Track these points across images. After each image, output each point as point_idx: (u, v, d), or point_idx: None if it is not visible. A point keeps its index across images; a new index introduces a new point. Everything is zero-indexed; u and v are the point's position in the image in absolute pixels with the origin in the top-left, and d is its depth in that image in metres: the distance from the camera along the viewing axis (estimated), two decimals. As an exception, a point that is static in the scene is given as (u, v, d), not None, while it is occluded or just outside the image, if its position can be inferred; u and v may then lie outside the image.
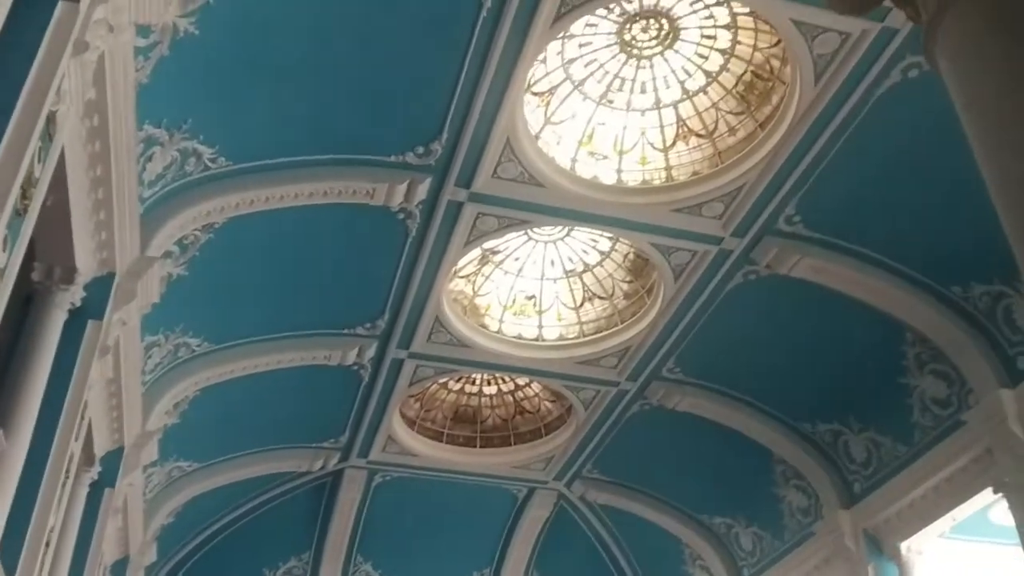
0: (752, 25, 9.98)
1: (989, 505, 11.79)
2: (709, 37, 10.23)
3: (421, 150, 9.86)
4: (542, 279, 13.30)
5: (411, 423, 15.48)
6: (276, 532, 15.73)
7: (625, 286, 13.01)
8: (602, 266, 13.02)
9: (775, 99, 10.25)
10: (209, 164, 9.15)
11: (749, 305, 12.18)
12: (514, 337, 13.44)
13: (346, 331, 12.41)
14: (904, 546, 12.28)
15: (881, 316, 11.67)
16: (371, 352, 12.77)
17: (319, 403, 13.90)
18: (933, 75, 9.06)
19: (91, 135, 6.96)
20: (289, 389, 13.15)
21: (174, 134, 8.58)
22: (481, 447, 15.81)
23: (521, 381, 15.47)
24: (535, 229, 12.18)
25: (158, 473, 13.14)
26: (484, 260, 12.95)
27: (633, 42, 10.26)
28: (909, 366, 12.04)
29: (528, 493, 16.55)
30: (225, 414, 13.08)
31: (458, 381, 15.46)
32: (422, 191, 10.22)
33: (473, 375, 15.32)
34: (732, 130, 10.69)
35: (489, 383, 15.63)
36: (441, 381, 15.18)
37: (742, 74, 10.43)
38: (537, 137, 10.39)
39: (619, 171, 10.97)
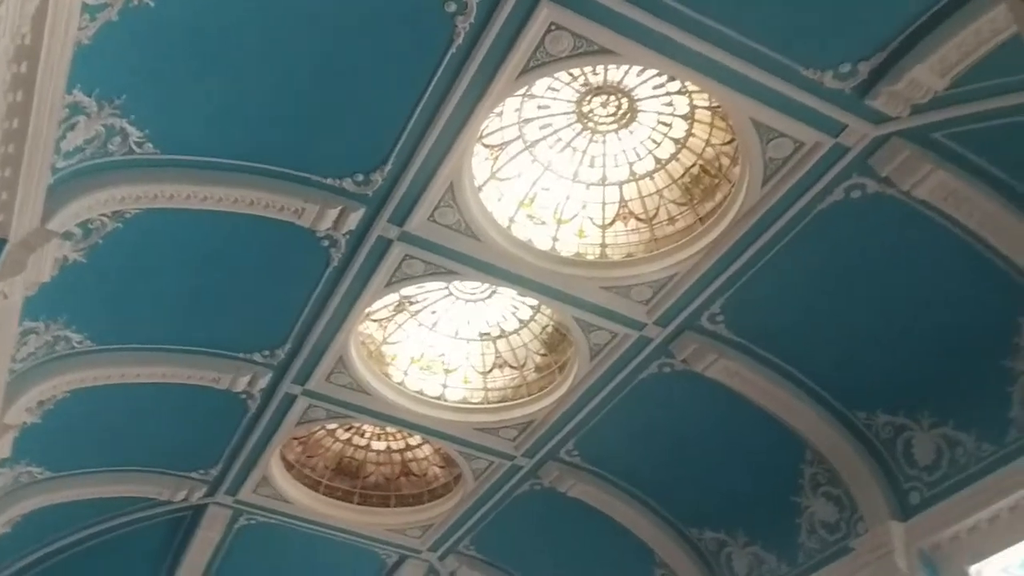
0: (709, 119, 10.08)
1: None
2: (665, 124, 10.28)
3: (360, 178, 9.49)
4: (455, 337, 12.91)
5: (289, 467, 14.66)
6: (120, 563, 14.47)
7: (538, 358, 12.74)
8: (519, 334, 12.74)
9: (719, 196, 10.31)
10: (134, 147, 8.58)
11: (658, 398, 12.05)
12: (416, 392, 12.94)
13: (242, 355, 11.70)
14: (772, 669, 12.08)
15: (785, 430, 11.68)
16: (264, 382, 12.05)
17: (196, 428, 12.99)
18: (874, 199, 9.43)
19: (16, 83, 6.40)
20: (167, 407, 12.27)
21: (104, 107, 8.02)
22: (359, 504, 15.05)
23: (413, 441, 14.89)
24: (458, 284, 11.88)
25: (4, 475, 11.99)
26: (400, 307, 12.52)
27: (591, 114, 10.23)
28: (804, 485, 12.02)
29: (399, 560, 15.76)
30: (91, 423, 12.08)
31: (347, 430, 14.79)
32: (353, 220, 9.81)
33: (364, 427, 14.69)
34: (672, 219, 10.69)
35: (379, 438, 14.99)
36: (330, 427, 14.51)
37: (691, 166, 10.50)
38: (480, 189, 10.17)
39: (555, 239, 10.81)
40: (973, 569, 9.99)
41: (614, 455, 13.13)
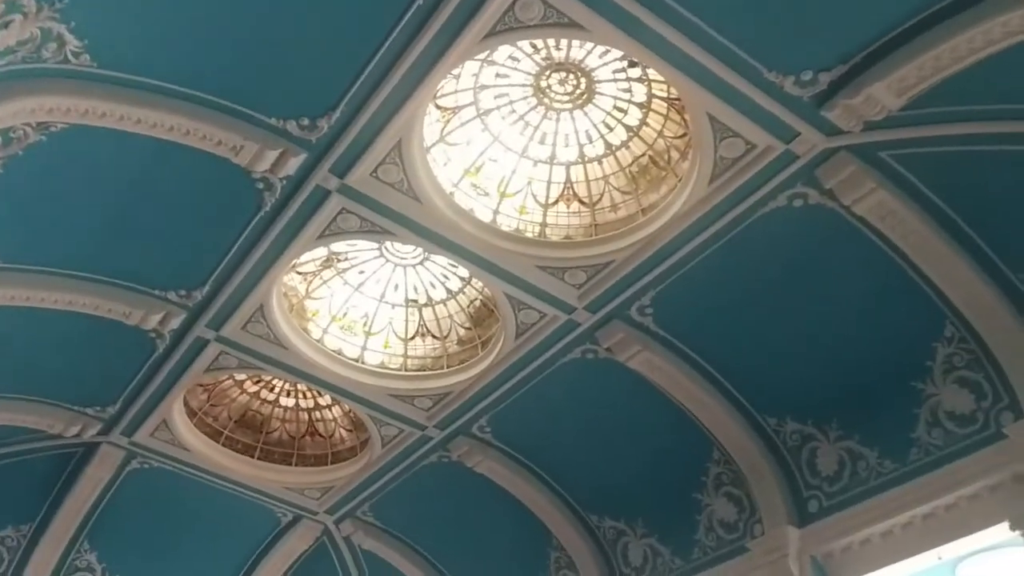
0: (664, 111, 10.06)
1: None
2: (621, 110, 10.23)
3: (306, 122, 9.13)
4: (380, 300, 12.65)
5: (192, 414, 14.17)
6: (2, 494, 13.79)
7: (463, 331, 12.58)
8: (446, 305, 12.57)
9: (664, 189, 10.32)
10: (70, 57, 8.05)
11: (577, 383, 12.04)
12: (334, 351, 12.63)
13: (156, 292, 11.21)
14: (655, 659, 12.26)
15: (696, 428, 11.81)
16: (176, 323, 11.58)
17: (98, 363, 12.40)
18: (814, 210, 9.56)
19: (-51, -35, 5.89)
20: (69, 338, 11.68)
21: (43, 8, 7.50)
22: (259, 459, 14.67)
23: (323, 401, 14.60)
24: (391, 246, 11.65)
25: None
26: (327, 263, 12.19)
27: (548, 90, 10.10)
28: (708, 483, 12.20)
29: (294, 520, 15.46)
30: (-11, 345, 11.46)
31: (257, 383, 14.39)
32: (292, 165, 9.46)
33: (274, 381, 14.32)
34: (615, 207, 10.66)
35: (289, 394, 14.63)
36: (239, 378, 14.09)
37: (640, 155, 10.48)
38: (428, 151, 9.93)
39: (496, 212, 10.65)
40: (863, 580, 10.28)
41: (525, 435, 13.10)
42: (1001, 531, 9.24)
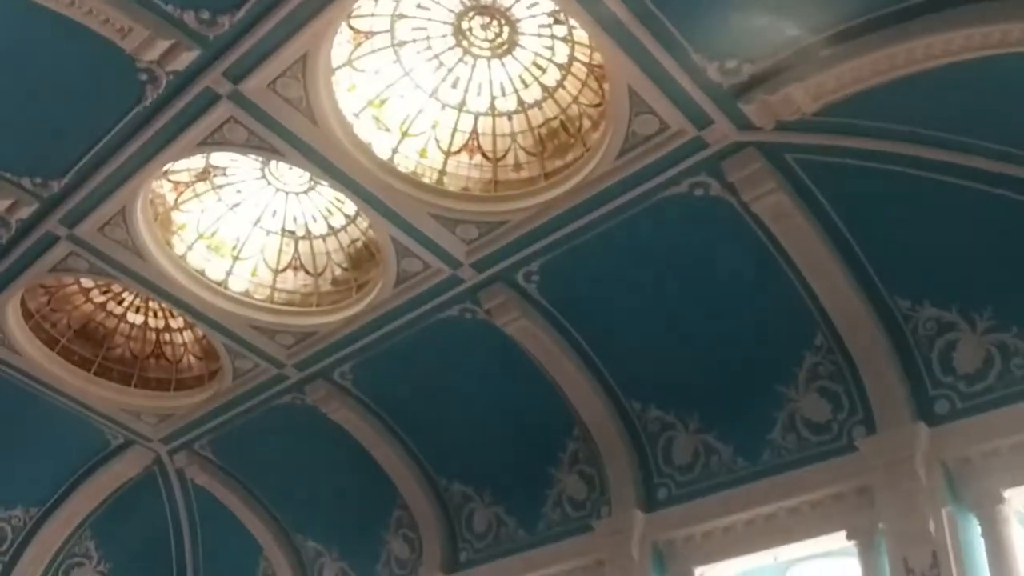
0: (583, 76, 9.82)
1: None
2: (539, 67, 9.92)
3: (206, 16, 8.37)
4: (254, 225, 11.93)
5: (28, 315, 13.03)
6: None
7: (338, 271, 12.02)
8: (324, 241, 11.95)
9: (569, 156, 10.10)
10: None
11: (449, 342, 11.73)
12: (196, 271, 11.84)
13: (9, 175, 10.15)
14: (483, 627, 12.17)
15: (561, 402, 11.69)
16: (25, 213, 10.56)
17: (-72, 245, 11.21)
18: (713, 201, 9.54)
19: None
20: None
21: None
22: (96, 374, 13.66)
23: (175, 323, 13.72)
24: (276, 169, 10.98)
25: None
26: (204, 175, 11.38)
27: (468, 33, 9.68)
28: (563, 459, 12.14)
29: (124, 443, 14.52)
30: None
31: (104, 293, 13.38)
32: (183, 60, 8.69)
33: (124, 294, 13.35)
34: (518, 166, 10.37)
35: (138, 310, 13.67)
36: (86, 284, 13.07)
37: (552, 118, 10.20)
38: (334, 71, 9.33)
39: (395, 151, 10.17)
40: (698, 570, 10.42)
41: (387, 389, 12.69)
42: (837, 539, 9.54)
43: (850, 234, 9.43)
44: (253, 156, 10.28)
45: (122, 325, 13.80)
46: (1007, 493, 8.40)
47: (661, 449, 11.38)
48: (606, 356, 11.36)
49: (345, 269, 12.02)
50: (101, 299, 13.46)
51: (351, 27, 9.41)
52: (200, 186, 11.54)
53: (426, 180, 10.22)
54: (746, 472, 10.51)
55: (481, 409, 12.40)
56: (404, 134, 10.20)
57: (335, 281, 12.09)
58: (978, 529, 8.53)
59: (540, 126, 10.24)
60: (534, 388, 11.72)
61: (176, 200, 11.59)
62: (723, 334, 10.57)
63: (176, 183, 11.45)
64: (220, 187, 11.54)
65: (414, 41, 9.76)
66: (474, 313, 11.25)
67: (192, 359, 14.03)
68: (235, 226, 11.94)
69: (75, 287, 13.14)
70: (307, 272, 12.16)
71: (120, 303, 13.57)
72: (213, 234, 11.91)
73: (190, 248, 11.83)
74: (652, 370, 11.22)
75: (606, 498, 11.58)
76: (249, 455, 14.52)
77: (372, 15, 9.45)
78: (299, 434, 13.68)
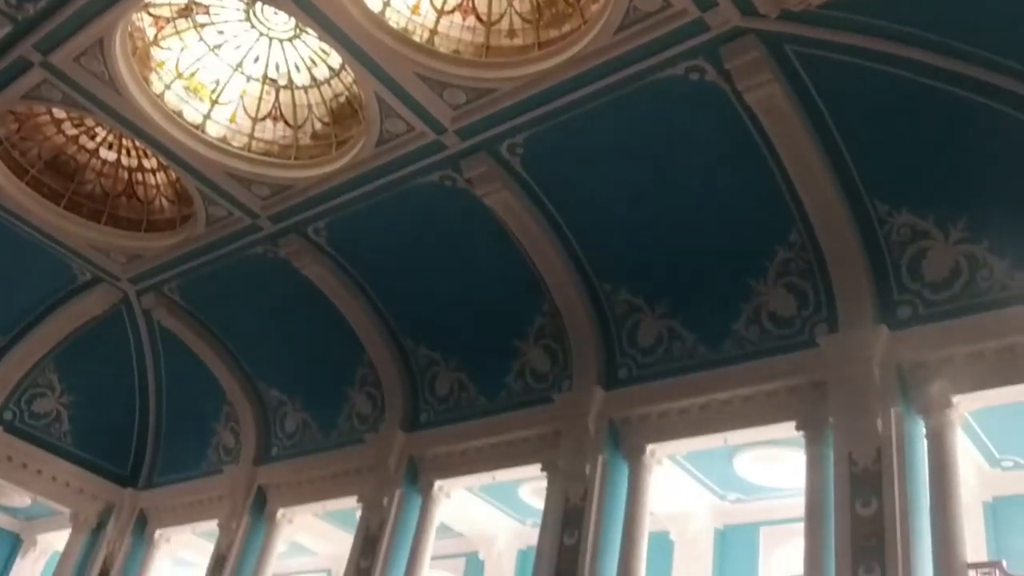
0: (587, -53, 9.46)
1: (523, 480, 12.46)
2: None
3: None
4: (236, 69, 11.59)
5: (-4, 142, 12.73)
6: None
7: (319, 125, 11.78)
8: (307, 92, 11.67)
9: (566, 27, 9.84)
10: None
11: (428, 209, 11.67)
12: (174, 111, 11.55)
13: (-19, -9, 9.72)
14: (438, 485, 12.55)
15: (533, 278, 11.78)
16: (-2, 32, 10.15)
17: None
18: (707, 88, 9.39)
19: None
20: None
21: None
22: (66, 208, 13.46)
23: (148, 163, 13.45)
24: (262, 11, 10.60)
25: None
26: (186, 11, 10.95)
27: None
28: (530, 333, 12.33)
29: (92, 280, 14.48)
30: None
31: (78, 126, 13.04)
32: None
33: (97, 129, 13.00)
34: (512, 32, 10.09)
35: (111, 147, 13.37)
36: (59, 116, 12.70)
37: (555, -12, 9.86)
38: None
39: (387, 4, 9.80)
40: (650, 447, 10.77)
41: (361, 248, 12.68)
42: (787, 429, 9.86)
43: (839, 134, 9.39)
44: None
45: (94, 161, 13.52)
46: (956, 399, 8.70)
47: (627, 331, 11.58)
48: (582, 236, 11.40)
49: (326, 124, 11.79)
50: (73, 132, 13.12)
51: None
52: (181, 23, 11.12)
53: (416, 39, 9.91)
54: (706, 359, 10.75)
55: (453, 277, 12.46)
56: (408, -9, 9.82)
57: (315, 135, 11.87)
58: (923, 431, 8.87)
59: (542, -7, 9.91)
60: (507, 261, 11.79)
61: (156, 36, 11.18)
62: (700, 223, 10.62)
63: (156, 17, 11.01)
64: (202, 26, 11.13)
65: None
66: (454, 181, 11.16)
67: (164, 201, 13.85)
68: (215, 69, 11.60)
69: (47, 117, 12.78)
70: (287, 123, 11.92)
71: (93, 138, 13.25)
72: (192, 75, 11.57)
73: (168, 88, 11.50)
74: (626, 254, 11.29)
75: (568, 373, 11.83)
76: (218, 302, 14.57)
77: None
78: (270, 286, 13.71)
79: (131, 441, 16.33)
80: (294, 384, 14.74)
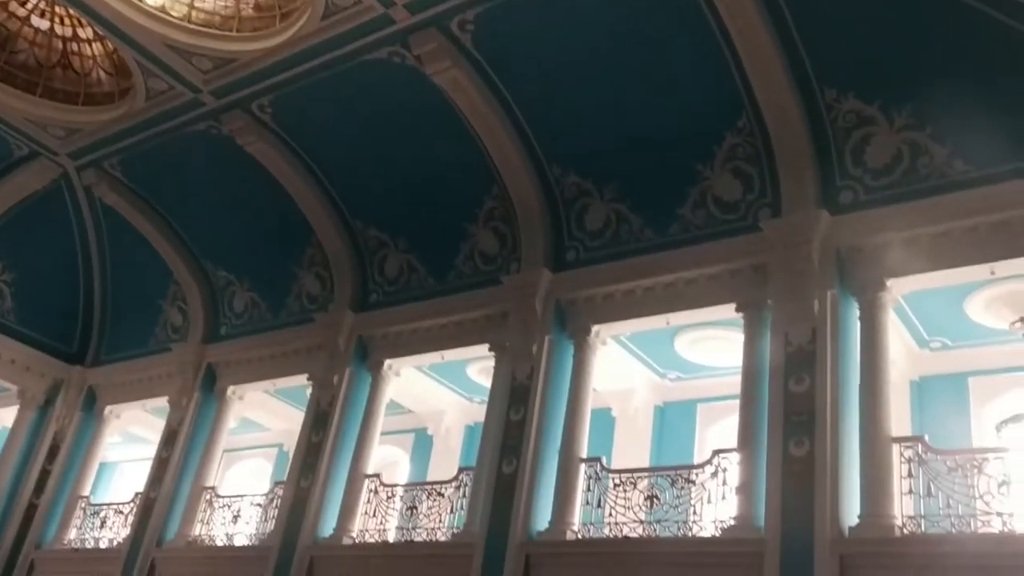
0: None
1: (471, 360, 12.71)
2: None
3: None
4: (175, -68, 11.04)
5: (-82, 6, 12.06)
6: None
7: (263, -5, 11.35)
8: (251, -40, 11.20)
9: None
10: None
11: (377, 86, 11.46)
12: (108, -24, 11.01)
13: None
14: (387, 364, 12.76)
15: (483, 160, 11.71)
16: None
17: None
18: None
19: None
20: None
21: None
22: (-2, 79, 12.94)
23: (84, 33, 12.87)
24: None
25: None
26: None
27: None
28: (479, 215, 12.34)
29: (29, 155, 14.07)
30: None
31: (5, -8, 12.39)
32: None
33: (31, -5, 12.39)
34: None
35: (44, 15, 12.72)
36: (-15, -21, 12.05)
37: None
38: None
39: None
40: (596, 328, 11.01)
41: (308, 125, 12.45)
42: (727, 311, 10.13)
43: (791, 17, 9.31)
44: None
45: (26, 29, 12.90)
46: (889, 282, 9.00)
47: (575, 214, 11.65)
48: (533, 118, 11.31)
49: (273, -7, 11.35)
50: (1, -3, 12.49)
51: None
52: None
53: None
54: (652, 242, 10.91)
55: (402, 158, 12.35)
56: None
57: (258, 7, 11.43)
58: (856, 312, 9.20)
59: None
60: (457, 143, 11.68)
61: None
62: (649, 108, 10.59)
63: None
64: None
65: None
66: (403, 58, 10.92)
67: (102, 74, 13.34)
68: (153, -68, 11.03)
69: (-28, -19, 12.13)
70: (230, -7, 11.45)
71: (23, 4, 12.59)
72: (128, -62, 10.98)
73: (101, -51, 10.92)
74: (576, 137, 11.25)
75: (516, 256, 11.93)
76: (162, 180, 14.30)
77: None
78: (215, 164, 13.47)
79: (77, 319, 16.24)
80: (242, 264, 14.67)
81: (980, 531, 7.75)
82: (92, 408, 16.18)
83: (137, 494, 14.45)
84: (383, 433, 12.68)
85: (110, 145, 13.72)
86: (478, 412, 13.07)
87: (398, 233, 13.10)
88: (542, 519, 10.09)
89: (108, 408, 16.05)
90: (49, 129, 13.48)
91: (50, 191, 14.69)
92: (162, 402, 15.03)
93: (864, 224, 9.24)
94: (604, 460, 10.31)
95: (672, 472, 9.74)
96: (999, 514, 7.72)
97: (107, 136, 13.51)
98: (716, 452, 9.47)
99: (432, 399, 13.93)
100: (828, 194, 9.62)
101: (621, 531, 9.55)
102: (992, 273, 8.77)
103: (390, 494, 11.78)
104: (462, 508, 10.88)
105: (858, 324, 9.17)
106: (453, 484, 11.18)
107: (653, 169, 10.89)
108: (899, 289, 9.15)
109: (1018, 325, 9.42)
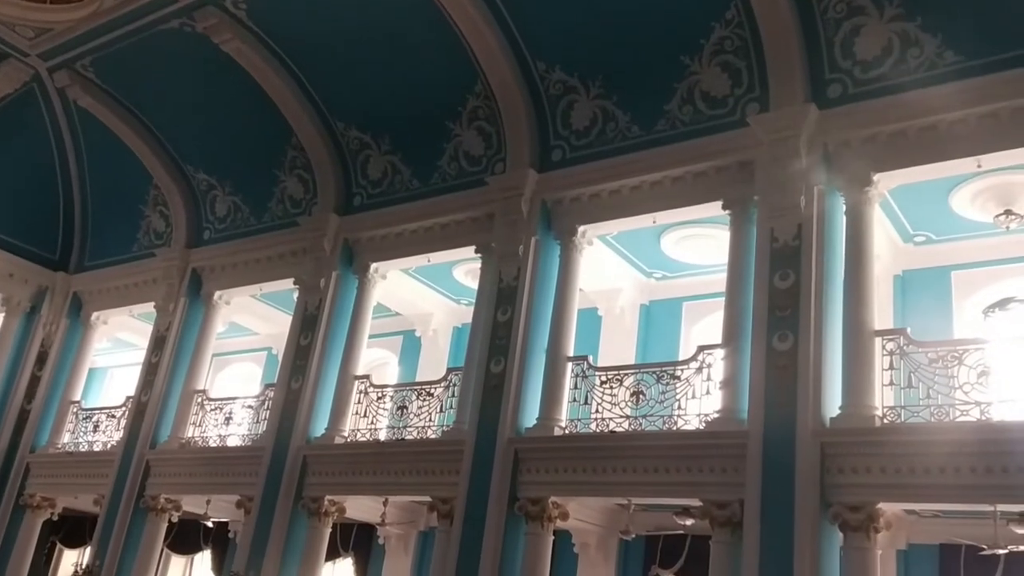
0: None
1: (457, 262, 12.68)
2: None
3: None
4: None
5: None
6: None
7: None
8: None
9: None
10: None
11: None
12: None
13: None
14: (373, 267, 12.72)
15: (466, 56, 11.42)
16: None
17: None
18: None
19: None
20: None
21: None
22: (-40, -23, 12.44)
23: (47, -74, 12.36)
24: None
25: None
26: None
27: None
28: (463, 114, 12.11)
29: (-1, 57, 13.66)
30: None
31: None
32: None
33: None
34: None
35: (2, -93, 12.20)
36: None
37: None
38: None
39: None
40: (582, 228, 10.95)
41: (285, 24, 12.10)
42: (713, 208, 10.07)
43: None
44: None
45: (-16, -78, 12.37)
46: (876, 176, 8.94)
47: (561, 112, 11.45)
48: (517, 11, 11.00)
49: None
50: None
51: None
52: None
53: None
54: (639, 140, 10.75)
55: (384, 57, 12.04)
56: None
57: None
58: (843, 207, 9.17)
59: None
60: (439, 40, 11.39)
61: None
62: (644, 5, 10.29)
63: None
64: None
65: None
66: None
67: (70, -24, 12.84)
68: None
69: None
70: None
71: None
72: None
73: None
74: (562, 31, 10.96)
75: (501, 156, 11.79)
76: (137, 82, 13.95)
77: None
78: (192, 65, 13.12)
79: (58, 225, 16.09)
80: (222, 167, 14.46)
81: (958, 420, 7.91)
82: (79, 314, 16.19)
83: (128, 398, 14.58)
84: (372, 336, 12.75)
85: (82, 45, 13.32)
86: (465, 314, 13.13)
87: (381, 134, 12.88)
88: (530, 416, 10.24)
89: (95, 314, 16.05)
90: (18, 29, 13.06)
91: (23, 95, 14.31)
92: (149, 308, 15.03)
93: (852, 118, 9.12)
94: (591, 358, 10.41)
95: (658, 368, 9.86)
96: (978, 404, 7.88)
97: (78, 36, 13.09)
98: (701, 348, 9.56)
99: (420, 301, 13.96)
100: (817, 87, 9.46)
101: (608, 426, 9.71)
102: (979, 166, 8.71)
103: (380, 394, 11.91)
104: (451, 407, 11.03)
105: (844, 219, 9.15)
106: (442, 384, 11.30)
107: (640, 64, 10.66)
108: (886, 184, 9.10)
109: (1002, 218, 9.43)
